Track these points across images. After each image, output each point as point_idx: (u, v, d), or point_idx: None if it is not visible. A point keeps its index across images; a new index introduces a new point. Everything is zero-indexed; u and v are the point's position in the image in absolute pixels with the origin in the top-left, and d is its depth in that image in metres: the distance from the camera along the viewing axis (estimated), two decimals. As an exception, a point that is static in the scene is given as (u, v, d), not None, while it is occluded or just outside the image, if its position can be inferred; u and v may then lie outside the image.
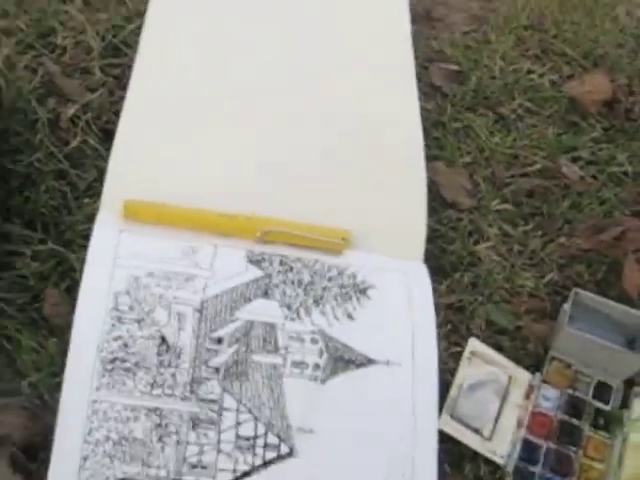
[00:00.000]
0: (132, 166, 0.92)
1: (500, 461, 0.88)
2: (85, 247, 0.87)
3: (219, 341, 0.84)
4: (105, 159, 0.94)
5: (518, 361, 0.93)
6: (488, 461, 0.88)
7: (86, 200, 0.92)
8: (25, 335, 0.84)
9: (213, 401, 0.81)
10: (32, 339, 0.84)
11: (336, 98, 1.04)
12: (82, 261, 0.85)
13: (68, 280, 0.87)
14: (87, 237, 0.88)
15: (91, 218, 0.89)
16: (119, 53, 1.04)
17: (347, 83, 1.05)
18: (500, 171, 1.05)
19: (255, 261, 0.89)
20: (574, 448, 0.90)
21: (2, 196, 0.89)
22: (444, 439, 0.87)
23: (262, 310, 0.86)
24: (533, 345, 0.95)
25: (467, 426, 0.88)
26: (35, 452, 0.78)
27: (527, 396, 0.92)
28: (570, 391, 0.93)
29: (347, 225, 0.93)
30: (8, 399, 0.81)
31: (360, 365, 0.86)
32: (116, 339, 0.82)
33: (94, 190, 0.93)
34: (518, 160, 1.07)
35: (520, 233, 1.02)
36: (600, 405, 0.93)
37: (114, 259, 0.85)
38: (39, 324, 0.85)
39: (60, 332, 0.83)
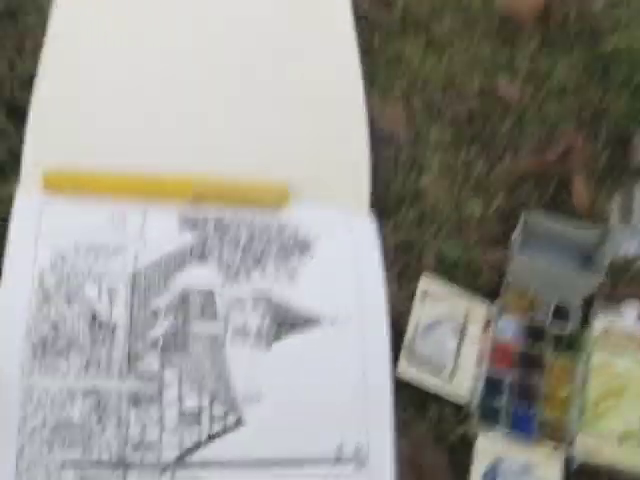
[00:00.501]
0: (50, 135, 0.82)
1: (463, 401, 0.81)
2: (4, 233, 0.77)
3: (155, 313, 0.75)
4: (13, 137, 0.83)
5: (473, 294, 0.86)
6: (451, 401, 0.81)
7: (-2, 184, 0.82)
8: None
9: (153, 376, 0.74)
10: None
11: (269, 32, 0.93)
12: (1, 247, 0.76)
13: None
14: (4, 221, 0.78)
15: (6, 201, 0.80)
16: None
17: (280, 18, 0.94)
18: (436, 98, 0.96)
19: (188, 225, 0.80)
20: (537, 376, 0.84)
21: None
22: (405, 384, 0.80)
23: (198, 277, 0.78)
24: (488, 275, 0.88)
25: (427, 369, 0.81)
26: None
27: (485, 329, 0.85)
28: (529, 318, 0.86)
29: (286, 178, 0.84)
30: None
31: (305, 326, 0.78)
32: (45, 320, 0.73)
33: (6, 171, 0.82)
34: (454, 84, 0.97)
35: (462, 161, 0.93)
36: (560, 329, 0.86)
37: (36, 236, 0.76)
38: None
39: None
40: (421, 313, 0.83)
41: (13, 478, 0.69)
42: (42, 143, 0.81)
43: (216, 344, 0.75)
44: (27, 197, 0.78)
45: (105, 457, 0.71)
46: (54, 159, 0.80)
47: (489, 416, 0.81)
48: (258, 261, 0.79)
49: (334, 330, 0.78)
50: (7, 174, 0.82)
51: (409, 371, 0.80)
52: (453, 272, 0.87)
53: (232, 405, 0.74)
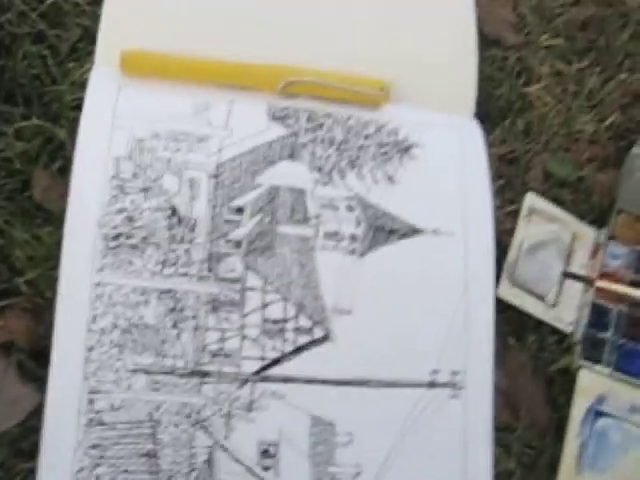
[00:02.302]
0: (130, 11, 0.73)
1: (567, 329, 0.73)
2: (75, 120, 0.69)
3: (239, 211, 0.67)
4: (87, 15, 0.74)
5: (582, 216, 0.77)
6: (554, 330, 0.74)
7: (71, 65, 0.73)
8: (17, 227, 0.68)
9: (235, 280, 0.66)
10: (25, 231, 0.68)
11: None
12: (73, 136, 0.68)
13: (60, 160, 0.70)
14: (76, 108, 0.70)
15: (79, 86, 0.71)
16: None
17: None
18: (547, 1, 0.85)
19: (278, 117, 0.71)
20: (647, 309, 0.74)
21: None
22: (504, 308, 0.72)
23: (288, 174, 0.69)
24: (597, 197, 0.78)
25: (529, 292, 0.73)
26: (44, 357, 0.63)
27: (593, 255, 0.76)
28: (640, 247, 0.77)
29: (385, 74, 0.74)
30: (6, 301, 0.67)
31: (404, 235, 0.69)
32: (119, 212, 0.65)
33: (79, 53, 0.74)
34: (568, -14, 0.87)
35: (575, 71, 0.83)
36: (675, 259, 0.76)
37: (112, 120, 0.68)
38: (32, 213, 0.69)
39: (56, 220, 0.67)
40: (525, 233, 0.75)
41: (81, 381, 0.62)
42: (119, 22, 0.72)
43: (305, 248, 0.67)
44: (103, 78, 0.70)
45: (180, 364, 0.63)
46: (132, 35, 0.71)
47: (593, 349, 0.73)
48: (354, 162, 0.70)
49: (437, 242, 0.69)
50: (82, 55, 0.74)
51: (511, 291, 0.72)
52: (560, 191, 0.78)
53: (320, 317, 0.66)
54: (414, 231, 0.69)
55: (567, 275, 0.73)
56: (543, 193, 0.77)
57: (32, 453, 0.62)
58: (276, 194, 0.68)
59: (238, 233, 0.67)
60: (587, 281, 0.74)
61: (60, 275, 0.64)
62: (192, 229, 0.66)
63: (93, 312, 0.63)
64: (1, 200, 0.69)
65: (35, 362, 0.65)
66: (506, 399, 0.71)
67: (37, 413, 0.63)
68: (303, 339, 0.65)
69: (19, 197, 0.69)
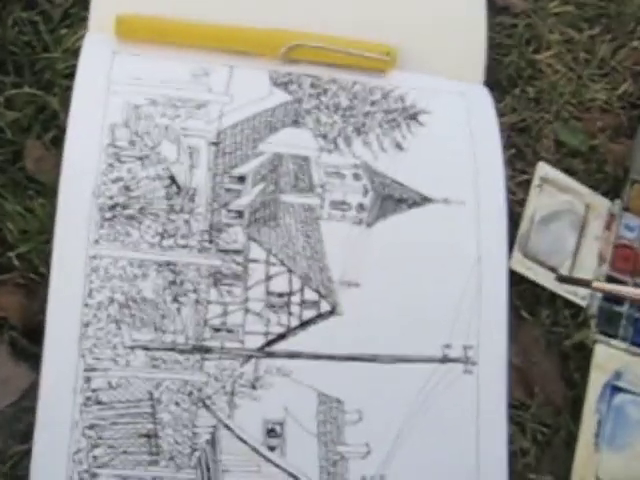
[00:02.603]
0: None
1: (582, 302, 0.70)
2: (69, 89, 0.66)
3: (241, 179, 0.64)
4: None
5: (595, 187, 0.74)
6: (568, 303, 0.71)
7: (63, 31, 0.70)
8: (9, 199, 0.65)
9: (237, 252, 0.63)
10: (18, 203, 0.65)
11: None
12: (67, 106, 0.65)
13: (53, 130, 0.67)
14: (69, 76, 0.67)
15: (72, 53, 0.68)
16: None
17: None
18: (557, -33, 0.83)
19: (280, 83, 0.68)
20: (663, 284, 0.72)
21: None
22: (516, 281, 0.69)
23: (292, 141, 0.66)
24: (611, 167, 0.76)
25: (542, 264, 0.70)
26: (38, 334, 0.60)
27: (607, 227, 0.73)
28: (656, 219, 0.74)
29: (392, 41, 0.71)
30: (-1, 276, 0.64)
31: (413, 204, 0.66)
32: (115, 181, 0.62)
33: (72, 18, 0.71)
34: (578, -49, 0.84)
35: (586, 38, 0.80)
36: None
37: (108, 85, 0.65)
38: (24, 185, 0.66)
39: (49, 192, 0.64)
40: (538, 203, 0.72)
41: (76, 359, 0.59)
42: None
43: (310, 218, 0.64)
44: (96, 44, 0.67)
45: (180, 340, 0.61)
46: (125, 7, 0.68)
47: (609, 323, 0.70)
48: (360, 128, 0.67)
49: (447, 211, 0.66)
50: (75, 21, 0.70)
51: (523, 264, 0.69)
52: (572, 161, 0.75)
53: (327, 290, 0.63)
54: (424, 200, 0.66)
55: (562, 279, 0.70)
56: (555, 163, 0.74)
57: (26, 435, 0.59)
58: (279, 162, 0.65)
59: (240, 203, 0.64)
60: (584, 284, 0.70)
61: (54, 248, 0.61)
62: (192, 199, 0.63)
63: (89, 286, 0.60)
64: (-9, 171, 0.66)
65: (29, 340, 0.62)
66: (520, 375, 0.68)
67: (31, 392, 0.60)
68: (309, 313, 0.63)
69: (11, 168, 0.66)
